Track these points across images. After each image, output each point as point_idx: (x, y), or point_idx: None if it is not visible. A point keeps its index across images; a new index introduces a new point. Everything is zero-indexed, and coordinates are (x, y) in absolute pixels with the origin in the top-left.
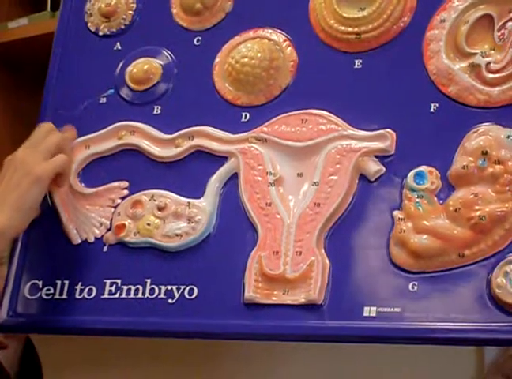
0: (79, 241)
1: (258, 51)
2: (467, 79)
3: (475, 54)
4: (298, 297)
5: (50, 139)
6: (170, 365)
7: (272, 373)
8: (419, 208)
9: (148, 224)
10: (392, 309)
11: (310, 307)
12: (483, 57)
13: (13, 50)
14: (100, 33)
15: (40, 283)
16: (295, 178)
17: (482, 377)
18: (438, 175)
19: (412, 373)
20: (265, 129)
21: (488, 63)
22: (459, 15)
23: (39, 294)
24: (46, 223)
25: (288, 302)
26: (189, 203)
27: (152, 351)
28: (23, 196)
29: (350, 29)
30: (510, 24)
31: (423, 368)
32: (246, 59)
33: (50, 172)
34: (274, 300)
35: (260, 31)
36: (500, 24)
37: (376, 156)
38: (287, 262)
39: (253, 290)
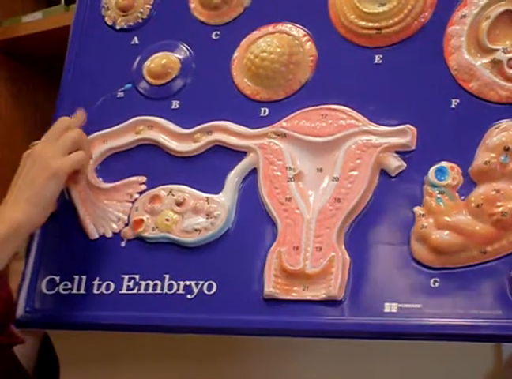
0: (96, 236)
1: (278, 46)
2: (488, 75)
3: (496, 49)
4: (318, 292)
5: (69, 134)
6: (184, 362)
7: (284, 370)
8: (441, 203)
9: (167, 219)
10: (413, 306)
11: (330, 303)
12: (504, 53)
13: (27, 44)
14: (117, 27)
15: (58, 279)
16: (315, 174)
17: (500, 369)
18: (460, 171)
19: (430, 365)
20: (284, 124)
21: (510, 59)
22: (480, 11)
23: (56, 290)
24: (63, 218)
25: (308, 297)
26: (207, 198)
27: (168, 348)
28: (40, 191)
29: (370, 24)
30: None
31: (441, 360)
32: (265, 54)
33: (68, 168)
34: (294, 296)
35: (279, 26)
36: None
37: (397, 152)
38: (307, 258)
39: (272, 286)
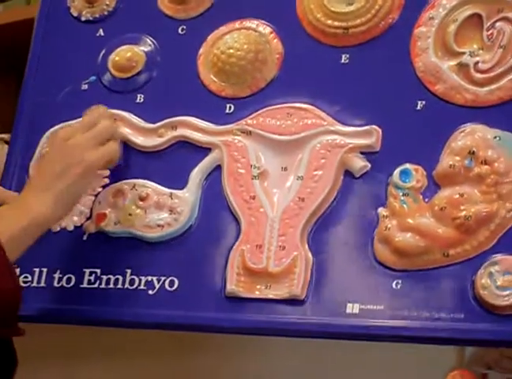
0: (58, 229)
1: (244, 43)
2: (455, 78)
3: (463, 53)
4: (281, 292)
5: (104, 124)
6: (147, 357)
7: (253, 367)
8: (404, 205)
9: (130, 214)
10: (375, 307)
11: (292, 302)
12: (471, 56)
13: None
14: (83, 18)
15: (17, 271)
16: (280, 172)
17: (463, 367)
18: (424, 173)
19: (392, 361)
20: (249, 121)
21: (477, 63)
22: (448, 13)
23: None
24: None
25: (271, 296)
26: (171, 193)
27: (129, 343)
28: (71, 186)
29: (337, 23)
30: (498, 24)
31: (403, 356)
32: (232, 50)
33: (102, 161)
34: (256, 294)
35: (246, 23)
36: (489, 23)
37: (362, 152)
38: (270, 256)
39: (235, 284)
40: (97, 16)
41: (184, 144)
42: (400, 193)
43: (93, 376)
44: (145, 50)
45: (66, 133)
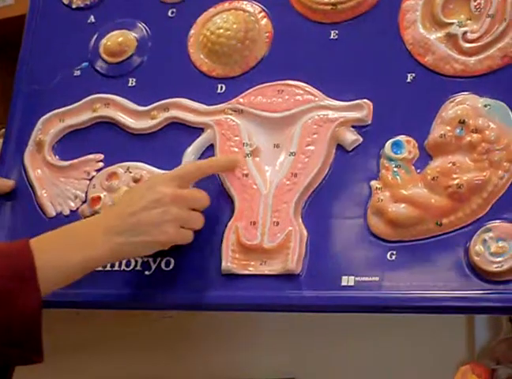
0: (54, 213)
1: (234, 23)
2: (443, 49)
3: (451, 23)
4: (276, 267)
5: (203, 200)
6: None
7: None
8: (397, 177)
9: None
10: (370, 279)
11: (287, 277)
12: (459, 27)
13: None
14: (73, 6)
15: None
16: (272, 149)
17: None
18: (416, 144)
19: (402, 358)
20: (241, 100)
21: (465, 33)
22: None
23: None
24: (20, 196)
25: (266, 272)
26: None
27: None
28: (147, 244)
29: (326, 0)
30: None
31: (413, 352)
32: (221, 30)
33: (170, 244)
34: (251, 271)
35: (235, 3)
36: None
37: (353, 126)
38: (264, 232)
39: (230, 261)
40: (88, 3)
41: (177, 125)
42: (393, 165)
43: (91, 368)
44: (136, 34)
45: (169, 182)
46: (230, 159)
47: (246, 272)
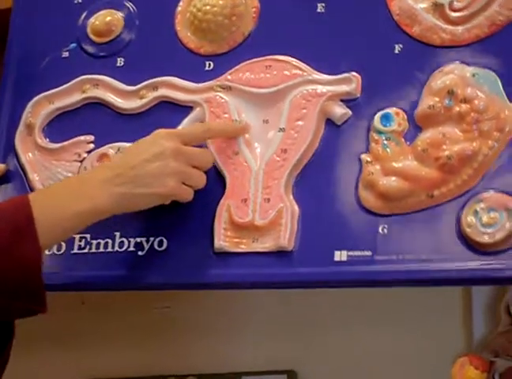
0: None
1: None
2: (430, 18)
3: None
4: (268, 244)
5: (207, 156)
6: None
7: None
8: (387, 149)
9: None
10: (363, 253)
11: (280, 254)
12: None
13: None
14: None
15: None
16: (261, 125)
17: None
18: (405, 116)
19: (399, 349)
20: (229, 76)
21: (451, 2)
22: None
23: None
24: (12, 180)
25: (258, 249)
26: None
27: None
28: (144, 197)
29: None
30: None
31: (410, 344)
32: (207, 7)
33: (170, 198)
34: (244, 248)
35: None
36: None
37: (342, 100)
38: (255, 209)
39: (222, 239)
40: None
41: (166, 104)
42: (383, 138)
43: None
44: (123, 13)
45: (172, 136)
46: (240, 126)
47: (239, 250)
